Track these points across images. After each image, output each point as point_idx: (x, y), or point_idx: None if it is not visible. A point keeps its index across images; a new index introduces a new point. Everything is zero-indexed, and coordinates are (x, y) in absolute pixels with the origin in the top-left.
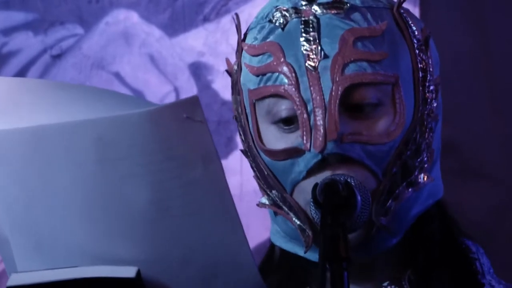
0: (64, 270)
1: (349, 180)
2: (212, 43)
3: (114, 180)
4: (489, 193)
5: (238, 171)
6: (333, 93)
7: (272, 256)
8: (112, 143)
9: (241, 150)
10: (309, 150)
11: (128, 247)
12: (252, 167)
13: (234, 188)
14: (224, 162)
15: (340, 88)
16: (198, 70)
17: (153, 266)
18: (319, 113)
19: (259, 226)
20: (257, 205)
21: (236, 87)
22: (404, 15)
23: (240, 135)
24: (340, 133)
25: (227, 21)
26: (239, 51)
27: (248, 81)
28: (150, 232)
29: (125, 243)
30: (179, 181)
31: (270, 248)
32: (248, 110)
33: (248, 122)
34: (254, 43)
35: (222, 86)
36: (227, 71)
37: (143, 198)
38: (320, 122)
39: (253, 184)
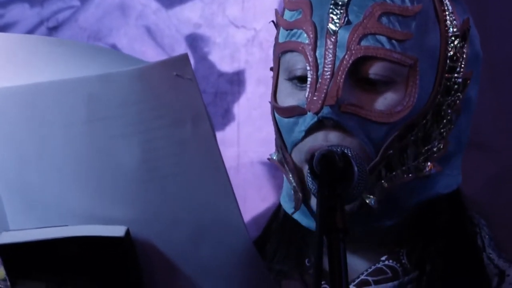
0: (54, 229)
1: (346, 151)
2: (209, 15)
3: (105, 139)
4: (485, 164)
5: (235, 142)
6: (344, 61)
7: (276, 217)
8: (102, 101)
9: (270, 102)
10: (309, 110)
11: (118, 207)
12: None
13: (231, 159)
14: (221, 134)
15: (352, 57)
16: (194, 42)
17: (143, 226)
18: (326, 77)
19: (256, 197)
20: (268, 158)
21: (276, 40)
22: (447, 2)
23: (272, 87)
24: (340, 100)
25: None
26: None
27: (281, 34)
28: (140, 192)
29: (115, 203)
30: (169, 140)
31: (277, 208)
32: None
33: (274, 74)
34: None
35: (219, 58)
36: (273, 22)
37: (133, 158)
38: (324, 85)
39: (250, 156)
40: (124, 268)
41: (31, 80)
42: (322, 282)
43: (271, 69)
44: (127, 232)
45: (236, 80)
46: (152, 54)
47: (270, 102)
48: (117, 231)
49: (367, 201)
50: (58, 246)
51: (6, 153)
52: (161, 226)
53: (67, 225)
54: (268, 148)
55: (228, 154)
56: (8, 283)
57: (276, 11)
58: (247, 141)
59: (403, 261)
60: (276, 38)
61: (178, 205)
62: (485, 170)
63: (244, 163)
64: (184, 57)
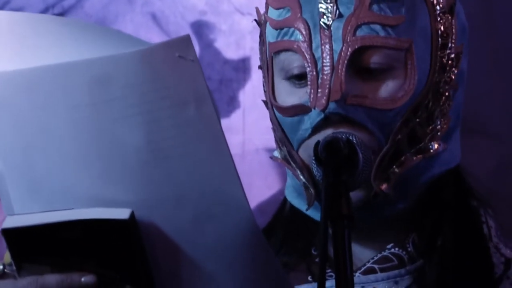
0: (59, 212)
1: (350, 137)
2: (214, 2)
3: (109, 122)
4: (490, 152)
5: (240, 130)
6: (342, 54)
7: (282, 210)
8: (106, 83)
9: (263, 101)
10: (314, 108)
11: (122, 189)
12: (270, 119)
13: (236, 147)
14: (226, 121)
15: (349, 49)
16: (200, 29)
17: (147, 208)
18: (326, 72)
19: (261, 185)
20: (270, 157)
21: (261, 38)
22: None
23: (263, 85)
24: (344, 93)
25: None
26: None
27: (269, 33)
28: (144, 173)
29: (120, 185)
30: (172, 121)
31: (283, 202)
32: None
33: (267, 73)
34: None
35: (224, 45)
36: (256, 20)
37: (137, 140)
38: (326, 81)
39: (255, 143)
40: (129, 250)
41: (36, 61)
42: (328, 270)
43: (260, 67)
44: (132, 215)
45: (242, 67)
46: (157, 41)
47: (264, 101)
48: (122, 213)
49: (383, 189)
50: (63, 230)
51: (11, 137)
52: (166, 208)
53: (71, 209)
54: (273, 136)
55: (233, 142)
56: (14, 268)
57: (257, 9)
58: (253, 128)
59: (409, 248)
60: (262, 36)
61: (182, 187)
62: (490, 158)
63: (249, 151)
64: (186, 38)
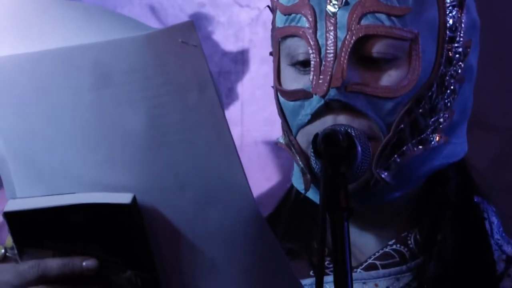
0: (61, 196)
1: (349, 130)
2: None
3: (112, 106)
4: (490, 143)
5: (238, 122)
6: (345, 42)
7: (289, 196)
8: (109, 68)
9: (272, 86)
10: (315, 94)
11: (125, 174)
12: (276, 106)
13: (234, 139)
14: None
15: (353, 37)
16: (198, 21)
17: (149, 193)
18: (329, 59)
19: (259, 177)
20: (275, 143)
21: (273, 24)
22: None
23: (274, 71)
24: (345, 81)
25: None
26: None
27: (278, 19)
28: (147, 158)
29: (122, 170)
30: (175, 106)
31: (289, 188)
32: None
33: (275, 59)
34: None
35: (223, 37)
36: (269, 7)
37: (140, 124)
38: (328, 68)
39: (254, 135)
40: (130, 235)
41: (41, 44)
42: (330, 265)
43: (271, 53)
44: (134, 199)
45: (240, 59)
46: None
47: (272, 87)
48: (124, 198)
49: (384, 177)
50: (65, 214)
51: (14, 121)
52: (168, 192)
53: (74, 193)
54: (272, 128)
55: (232, 134)
56: (16, 252)
57: None
58: (251, 120)
59: (411, 245)
60: (273, 22)
61: (185, 172)
62: (489, 150)
63: (247, 143)
64: (190, 24)
